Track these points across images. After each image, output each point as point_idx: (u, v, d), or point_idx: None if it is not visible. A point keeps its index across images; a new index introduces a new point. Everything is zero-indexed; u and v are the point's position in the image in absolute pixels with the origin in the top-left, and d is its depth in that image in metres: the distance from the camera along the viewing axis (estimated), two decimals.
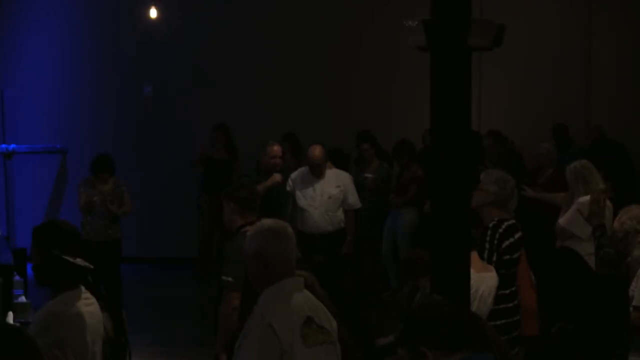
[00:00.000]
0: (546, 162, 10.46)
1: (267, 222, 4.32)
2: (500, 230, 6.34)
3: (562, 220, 7.88)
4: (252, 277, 4.25)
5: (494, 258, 6.21)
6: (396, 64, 13.62)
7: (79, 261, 4.41)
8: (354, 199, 9.85)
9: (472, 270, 5.41)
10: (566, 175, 8.16)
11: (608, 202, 7.74)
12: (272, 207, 9.11)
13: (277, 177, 9.45)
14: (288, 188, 9.71)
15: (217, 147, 12.78)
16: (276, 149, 9.79)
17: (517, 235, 6.44)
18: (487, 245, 6.24)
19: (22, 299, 7.59)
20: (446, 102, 4.63)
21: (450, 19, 4.52)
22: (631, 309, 5.83)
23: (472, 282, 5.46)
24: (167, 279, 13.17)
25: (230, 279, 5.98)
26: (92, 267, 4.49)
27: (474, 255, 5.91)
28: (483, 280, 5.91)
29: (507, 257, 6.34)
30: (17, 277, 8.31)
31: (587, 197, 7.53)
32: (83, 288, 4.49)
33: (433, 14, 4.57)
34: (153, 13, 13.73)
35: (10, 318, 6.55)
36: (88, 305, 4.47)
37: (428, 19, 4.53)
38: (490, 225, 6.31)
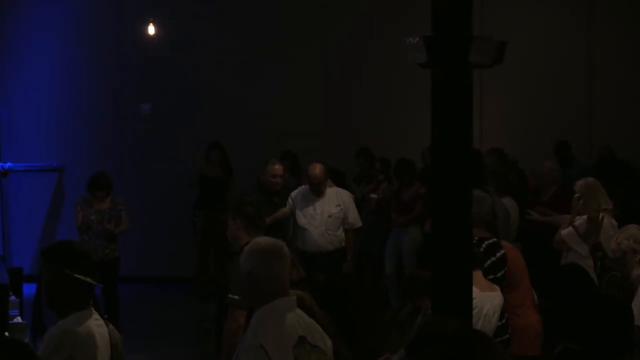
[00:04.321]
0: (549, 180, 10.44)
1: (261, 241, 4.33)
2: (481, 250, 6.34)
3: (564, 232, 7.86)
4: (246, 295, 4.27)
5: None
6: (396, 81, 13.64)
7: (90, 280, 4.46)
8: (354, 218, 9.84)
9: (476, 290, 5.41)
10: (575, 193, 8.15)
11: (613, 221, 7.74)
12: (276, 228, 9.14)
13: (285, 211, 9.60)
14: (288, 207, 9.73)
15: (212, 165, 12.79)
16: (277, 167, 9.82)
17: (499, 254, 6.43)
18: None
19: (18, 319, 7.55)
20: (447, 120, 4.63)
21: (451, 36, 4.54)
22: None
23: (476, 301, 5.46)
24: (165, 298, 13.14)
25: (236, 297, 5.98)
26: (102, 285, 4.56)
27: (478, 274, 5.91)
28: (487, 299, 5.91)
29: (491, 276, 6.33)
30: (13, 297, 8.29)
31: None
32: (92, 309, 4.54)
33: (434, 31, 4.58)
34: (151, 30, 13.78)
35: None
36: (98, 326, 4.52)
37: (429, 36, 4.54)
38: None
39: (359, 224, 9.99)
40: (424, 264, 9.80)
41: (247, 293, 4.23)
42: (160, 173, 14.05)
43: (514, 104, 13.83)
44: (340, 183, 11.17)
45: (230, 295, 6.01)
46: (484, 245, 6.37)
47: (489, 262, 6.36)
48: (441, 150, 4.68)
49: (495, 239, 6.52)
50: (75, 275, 4.41)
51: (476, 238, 6.36)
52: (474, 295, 5.05)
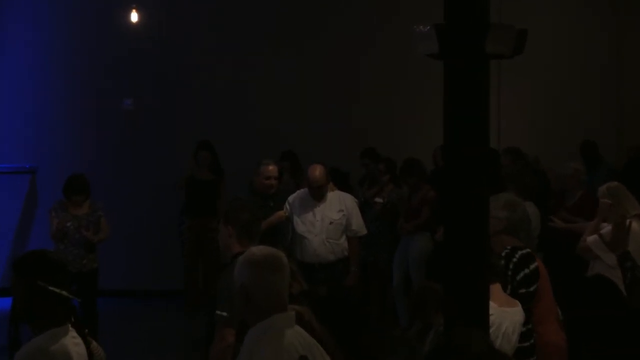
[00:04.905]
0: (574, 183, 10.44)
1: (257, 250, 4.30)
2: (514, 260, 6.31)
3: (589, 240, 7.85)
4: (239, 311, 4.26)
5: (508, 292, 6.17)
6: (405, 74, 13.64)
7: (66, 294, 4.46)
8: (358, 225, 9.82)
9: (493, 305, 5.39)
10: (599, 198, 8.16)
11: None
12: (272, 234, 9.12)
13: (281, 214, 9.60)
14: (285, 212, 9.71)
15: (201, 167, 12.76)
16: (271, 168, 9.80)
17: (532, 266, 6.40)
18: None
19: None
20: (461, 116, 4.62)
21: (465, 24, 4.52)
22: None
23: (493, 317, 5.44)
24: (149, 314, 13.13)
25: (225, 313, 5.96)
26: (79, 299, 4.56)
27: (497, 288, 5.89)
28: (506, 315, 5.88)
29: (523, 290, 6.31)
30: None
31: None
32: (69, 325, 4.53)
33: (446, 18, 4.57)
34: (134, 17, 13.76)
35: None
36: (76, 345, 4.52)
37: (441, 24, 4.53)
38: (503, 254, 6.29)
39: (364, 231, 9.97)
40: (433, 275, 9.79)
41: (241, 308, 4.22)
42: (144, 175, 14.04)
43: (536, 99, 13.82)
44: (344, 185, 11.16)
45: (218, 312, 6.00)
46: (517, 256, 6.33)
47: (521, 274, 6.32)
48: (454, 150, 4.67)
49: (529, 250, 6.49)
50: (50, 288, 4.41)
51: (508, 247, 6.34)
52: (491, 311, 5.03)
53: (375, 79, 13.98)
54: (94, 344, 4.65)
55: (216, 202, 12.50)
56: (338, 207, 9.73)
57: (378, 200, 11.72)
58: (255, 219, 6.49)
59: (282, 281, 4.18)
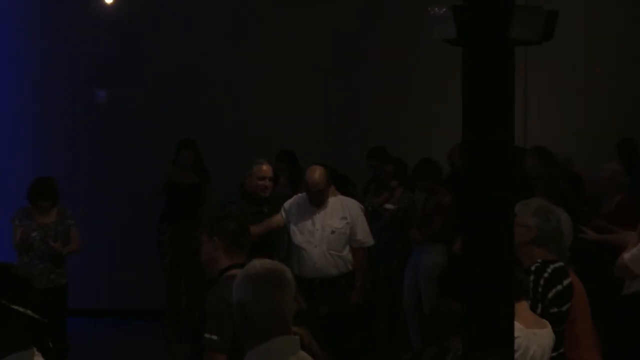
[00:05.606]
0: (611, 187, 10.42)
1: (258, 264, 4.29)
2: (546, 275, 6.32)
3: (627, 257, 7.85)
4: (237, 332, 4.26)
5: (538, 311, 6.17)
6: (416, 63, 13.63)
7: (31, 313, 4.46)
8: (364, 234, 9.81)
9: (519, 326, 5.40)
10: None
11: None
12: (264, 245, 9.10)
13: (279, 219, 9.55)
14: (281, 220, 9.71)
15: (184, 169, 12.75)
16: (265, 168, 9.80)
17: (565, 282, 6.40)
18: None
19: None
20: (482, 111, 4.62)
21: (487, 5, 4.53)
22: None
23: (519, 340, 5.45)
24: (126, 336, 13.14)
25: (214, 337, 5.97)
26: (46, 320, 4.57)
27: (523, 306, 5.89)
28: (534, 338, 5.89)
29: (555, 309, 6.31)
30: None
31: None
32: (35, 349, 4.53)
33: None
34: None
35: None
36: None
37: (459, 5, 4.53)
38: (533, 268, 6.28)
39: (371, 241, 9.97)
40: (447, 291, 9.79)
41: (238, 329, 4.22)
42: (120, 179, 14.02)
43: (567, 91, 13.82)
44: (344, 189, 11.14)
45: (207, 335, 6.01)
46: (549, 270, 6.34)
47: (553, 291, 6.33)
48: (474, 150, 4.67)
49: (561, 263, 6.49)
50: (13, 307, 4.41)
51: (538, 261, 6.34)
52: (517, 333, 5.04)
53: (384, 69, 13.96)
54: None
55: (199, 208, 12.49)
56: (341, 214, 9.73)
57: (388, 207, 11.69)
58: (243, 227, 6.49)
59: (285, 300, 4.17)
